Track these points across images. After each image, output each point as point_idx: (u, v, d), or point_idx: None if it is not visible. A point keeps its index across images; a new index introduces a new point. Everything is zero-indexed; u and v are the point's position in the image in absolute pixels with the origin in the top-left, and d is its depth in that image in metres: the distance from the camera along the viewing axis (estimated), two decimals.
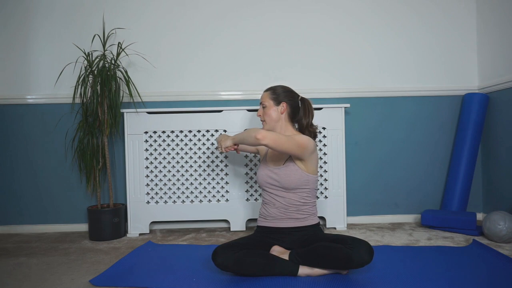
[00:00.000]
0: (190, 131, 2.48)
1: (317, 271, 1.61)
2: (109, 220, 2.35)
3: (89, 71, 2.38)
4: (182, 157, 2.48)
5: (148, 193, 2.48)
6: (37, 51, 2.63)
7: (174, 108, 2.47)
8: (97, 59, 2.40)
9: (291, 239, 1.76)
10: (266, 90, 1.91)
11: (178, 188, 2.48)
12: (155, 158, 2.48)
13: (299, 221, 1.78)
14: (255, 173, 2.47)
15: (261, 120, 1.91)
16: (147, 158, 2.48)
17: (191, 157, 2.49)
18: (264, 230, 1.82)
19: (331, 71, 2.67)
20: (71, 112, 2.59)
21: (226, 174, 2.49)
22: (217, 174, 2.49)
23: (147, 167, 2.48)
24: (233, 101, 2.64)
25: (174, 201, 2.49)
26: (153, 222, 2.58)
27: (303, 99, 1.91)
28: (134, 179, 2.46)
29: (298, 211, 1.78)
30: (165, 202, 2.48)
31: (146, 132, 2.47)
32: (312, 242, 1.68)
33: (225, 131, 2.47)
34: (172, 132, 2.48)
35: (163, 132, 2.47)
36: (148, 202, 2.48)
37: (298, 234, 1.77)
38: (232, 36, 2.66)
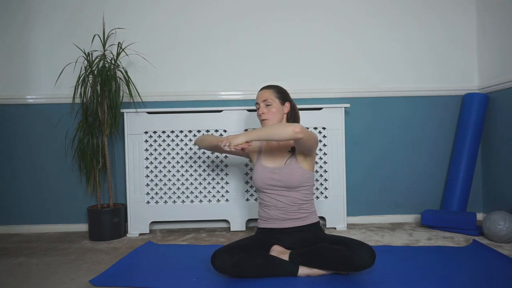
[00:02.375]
0: (190, 131, 2.48)
1: (316, 271, 1.60)
2: (109, 220, 2.35)
3: (89, 71, 2.38)
4: (182, 157, 2.48)
5: (148, 193, 2.48)
6: (37, 51, 2.63)
7: (174, 108, 2.47)
8: (97, 59, 2.40)
9: (293, 239, 1.76)
10: (267, 88, 1.88)
11: (178, 188, 2.48)
12: (155, 158, 2.48)
13: (301, 220, 1.77)
14: None
15: (263, 119, 1.84)
16: (147, 158, 2.48)
17: (191, 157, 2.49)
18: (265, 231, 1.81)
19: (331, 72, 2.67)
20: (71, 112, 2.59)
21: (226, 174, 2.49)
22: (217, 174, 2.49)
23: (147, 167, 2.48)
24: (233, 101, 2.64)
25: (174, 201, 2.49)
26: (153, 222, 2.58)
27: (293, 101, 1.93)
28: (134, 179, 2.46)
29: (300, 209, 1.77)
30: (165, 202, 2.48)
31: (146, 132, 2.47)
32: (314, 242, 1.68)
33: (225, 131, 2.47)
34: (172, 132, 2.48)
35: (163, 132, 2.47)
36: (148, 202, 2.48)
37: (300, 234, 1.77)
38: (232, 36, 2.66)
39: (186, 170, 2.48)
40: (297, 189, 1.77)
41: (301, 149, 1.77)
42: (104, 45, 2.46)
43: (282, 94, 1.87)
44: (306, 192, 1.80)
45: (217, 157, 2.49)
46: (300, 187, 1.77)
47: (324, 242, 1.65)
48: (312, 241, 1.71)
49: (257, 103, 1.88)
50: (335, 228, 2.47)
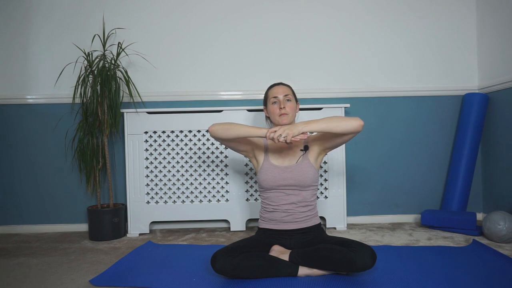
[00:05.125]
0: (190, 131, 2.48)
1: (316, 271, 1.60)
2: (109, 220, 2.35)
3: (89, 71, 2.38)
4: (182, 157, 2.48)
5: (148, 193, 2.48)
6: (37, 51, 2.63)
7: (174, 108, 2.47)
8: (97, 59, 2.40)
9: (294, 240, 1.76)
10: (285, 84, 1.89)
11: (178, 188, 2.48)
12: (155, 158, 2.48)
13: (304, 222, 1.77)
14: (255, 173, 2.47)
15: (284, 113, 1.78)
16: (147, 158, 2.48)
17: (191, 157, 2.49)
18: (267, 232, 1.80)
19: (331, 72, 2.67)
20: (71, 112, 2.59)
21: (226, 174, 2.49)
22: (217, 174, 2.49)
23: (147, 167, 2.48)
24: (233, 101, 2.64)
25: (174, 201, 2.49)
26: (153, 222, 2.58)
27: None
28: (134, 179, 2.46)
29: (306, 210, 1.78)
30: (165, 202, 2.48)
31: (146, 132, 2.47)
32: (315, 243, 1.68)
33: None
34: (172, 132, 2.48)
35: (163, 132, 2.47)
36: (148, 202, 2.48)
37: (302, 235, 1.76)
38: (232, 36, 2.66)
39: (186, 170, 2.48)
40: (308, 189, 1.78)
41: (334, 145, 1.79)
42: (104, 45, 2.46)
43: (294, 93, 1.90)
44: (314, 192, 1.81)
45: (217, 157, 2.49)
46: (310, 186, 1.78)
47: (325, 243, 1.65)
48: (313, 242, 1.71)
49: (275, 97, 1.83)
50: (335, 228, 2.47)
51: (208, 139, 2.48)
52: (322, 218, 2.49)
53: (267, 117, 1.95)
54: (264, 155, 1.86)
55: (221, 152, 2.48)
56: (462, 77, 2.70)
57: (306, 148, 1.82)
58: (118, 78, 2.45)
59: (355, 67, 2.67)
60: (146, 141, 2.48)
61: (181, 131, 2.48)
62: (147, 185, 2.48)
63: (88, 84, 2.42)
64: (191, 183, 2.49)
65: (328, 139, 1.78)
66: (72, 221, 2.64)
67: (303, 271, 1.60)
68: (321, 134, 1.79)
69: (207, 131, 2.48)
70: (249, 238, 1.79)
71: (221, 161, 2.48)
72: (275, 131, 1.64)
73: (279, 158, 1.82)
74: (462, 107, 2.62)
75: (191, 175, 2.49)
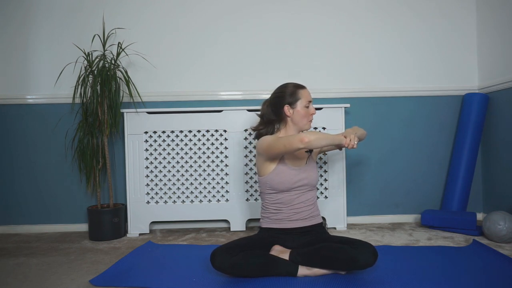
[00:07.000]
0: (190, 131, 2.48)
1: (316, 271, 1.60)
2: (109, 220, 2.35)
3: (89, 71, 2.38)
4: (182, 157, 2.48)
5: (148, 193, 2.48)
6: (37, 51, 2.63)
7: (174, 108, 2.47)
8: (97, 59, 2.40)
9: (297, 239, 1.76)
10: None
11: (178, 188, 2.48)
12: (155, 158, 2.48)
13: (308, 220, 1.79)
14: (255, 173, 2.47)
15: (311, 120, 1.87)
16: (147, 158, 2.48)
17: (191, 157, 2.49)
18: (271, 231, 1.80)
19: (331, 71, 2.67)
20: (71, 112, 2.59)
21: (226, 174, 2.49)
22: (217, 174, 2.49)
23: (147, 167, 2.48)
24: (233, 101, 2.64)
25: (174, 201, 2.49)
26: (153, 222, 2.58)
27: None
28: (134, 179, 2.46)
29: (311, 208, 1.81)
30: (165, 202, 2.48)
31: (146, 132, 2.47)
32: (317, 242, 1.68)
33: (225, 131, 2.47)
34: (172, 132, 2.48)
35: (163, 132, 2.47)
36: (148, 202, 2.48)
37: (305, 234, 1.77)
38: (233, 36, 2.66)
39: (186, 170, 2.48)
40: (315, 187, 1.86)
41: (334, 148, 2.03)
42: (104, 45, 2.46)
43: None
44: (316, 190, 1.88)
45: (217, 157, 2.49)
46: (316, 185, 1.86)
47: (327, 242, 1.65)
48: (315, 241, 1.71)
49: (310, 101, 1.83)
50: (335, 228, 2.47)
51: (208, 139, 2.48)
52: (322, 218, 2.48)
53: (286, 116, 1.82)
54: (279, 158, 1.81)
55: (221, 152, 2.48)
56: (462, 77, 2.70)
57: (311, 150, 1.86)
58: (118, 78, 2.45)
59: (355, 67, 2.67)
60: (146, 141, 2.48)
61: (181, 131, 2.48)
62: (147, 185, 2.48)
63: (88, 84, 2.42)
64: (191, 183, 2.49)
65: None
66: (72, 221, 2.64)
67: (302, 270, 1.60)
68: None
69: (207, 131, 2.47)
70: (250, 237, 1.78)
71: (221, 161, 2.48)
72: (351, 139, 1.69)
73: (293, 160, 1.82)
74: (462, 107, 2.62)
75: (191, 175, 2.49)
